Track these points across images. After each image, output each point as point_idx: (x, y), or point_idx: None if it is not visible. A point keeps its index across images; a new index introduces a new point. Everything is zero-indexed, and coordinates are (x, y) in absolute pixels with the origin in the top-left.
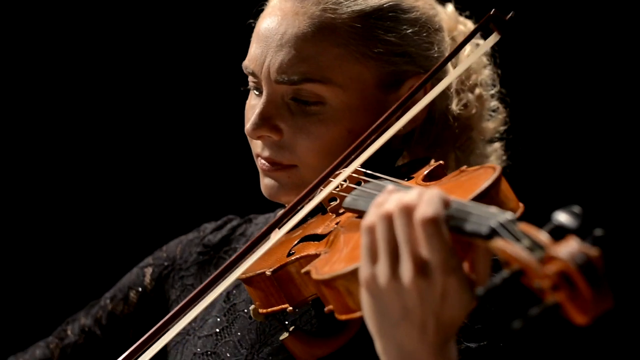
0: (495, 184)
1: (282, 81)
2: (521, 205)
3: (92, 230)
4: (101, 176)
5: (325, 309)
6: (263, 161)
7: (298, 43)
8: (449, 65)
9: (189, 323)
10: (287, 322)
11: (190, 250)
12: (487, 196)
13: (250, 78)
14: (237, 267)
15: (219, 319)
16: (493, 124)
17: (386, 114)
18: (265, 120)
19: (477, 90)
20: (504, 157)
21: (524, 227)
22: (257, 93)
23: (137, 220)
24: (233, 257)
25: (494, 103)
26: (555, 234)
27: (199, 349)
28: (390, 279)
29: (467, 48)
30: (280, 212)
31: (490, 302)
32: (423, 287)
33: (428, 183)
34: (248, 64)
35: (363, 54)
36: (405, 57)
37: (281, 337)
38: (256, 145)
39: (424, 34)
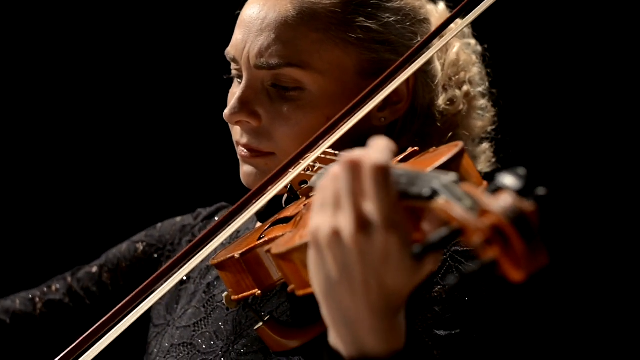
0: (456, 158)
1: (261, 65)
2: (484, 183)
3: (84, 218)
4: (92, 166)
5: (288, 288)
6: (242, 148)
7: (278, 27)
8: (434, 55)
9: (169, 313)
10: (263, 313)
11: (181, 237)
12: (447, 169)
13: (232, 65)
14: (201, 250)
15: (198, 310)
16: (481, 122)
17: (358, 98)
18: (243, 105)
19: (465, 87)
20: (494, 159)
21: (466, 187)
22: (239, 81)
23: (131, 206)
24: (197, 238)
25: (483, 102)
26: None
27: (176, 340)
28: (331, 231)
29: (457, 44)
30: (246, 196)
31: (462, 286)
32: (363, 242)
33: (403, 164)
34: (229, 50)
35: (343, 39)
36: (386, 45)
37: (255, 327)
38: (235, 132)
39: (407, 24)
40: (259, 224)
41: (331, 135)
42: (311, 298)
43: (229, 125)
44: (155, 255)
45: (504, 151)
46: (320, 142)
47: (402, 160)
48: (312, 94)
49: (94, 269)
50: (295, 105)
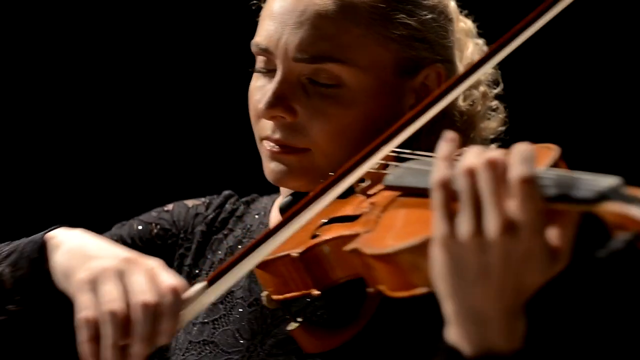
0: (555, 161)
1: (302, 59)
2: None
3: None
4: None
5: (370, 289)
6: (272, 144)
7: (319, 21)
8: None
9: None
10: (293, 312)
11: (194, 226)
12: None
13: (259, 58)
14: (262, 250)
15: (215, 306)
16: (493, 123)
17: (435, 96)
18: (280, 100)
19: (482, 88)
20: None
21: (632, 191)
22: (263, 71)
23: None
24: (261, 235)
25: (495, 102)
26: None
27: (194, 337)
28: (473, 234)
29: (470, 44)
30: (311, 193)
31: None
32: (508, 244)
33: None
34: (261, 40)
35: (385, 36)
36: (424, 44)
37: (289, 328)
38: (264, 128)
39: (442, 22)
40: (273, 218)
41: (395, 135)
42: (345, 299)
43: (253, 120)
44: (170, 242)
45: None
46: (385, 142)
47: None
48: (351, 91)
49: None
50: (334, 101)
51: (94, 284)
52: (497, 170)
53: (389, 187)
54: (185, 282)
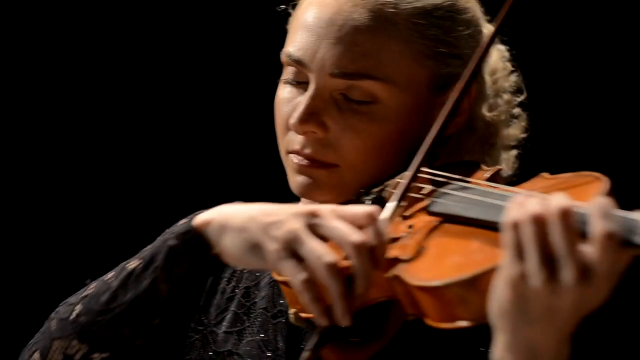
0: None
1: (340, 75)
2: None
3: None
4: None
5: (409, 317)
6: (300, 157)
7: (358, 36)
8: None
9: (205, 316)
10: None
11: None
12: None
13: (289, 68)
14: None
15: (238, 316)
16: (514, 130)
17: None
18: (312, 115)
19: (506, 96)
20: (516, 165)
21: None
22: (293, 83)
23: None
24: None
25: (517, 109)
26: None
27: (218, 347)
28: (546, 279)
29: (494, 52)
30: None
31: None
32: (582, 291)
33: (496, 186)
34: (294, 52)
35: (421, 52)
36: (460, 60)
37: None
38: (293, 142)
39: (477, 36)
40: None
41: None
42: (370, 314)
43: (280, 132)
44: None
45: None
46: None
47: (490, 179)
48: (387, 107)
49: None
50: (368, 118)
51: (290, 250)
52: (570, 221)
53: (432, 213)
54: (376, 207)
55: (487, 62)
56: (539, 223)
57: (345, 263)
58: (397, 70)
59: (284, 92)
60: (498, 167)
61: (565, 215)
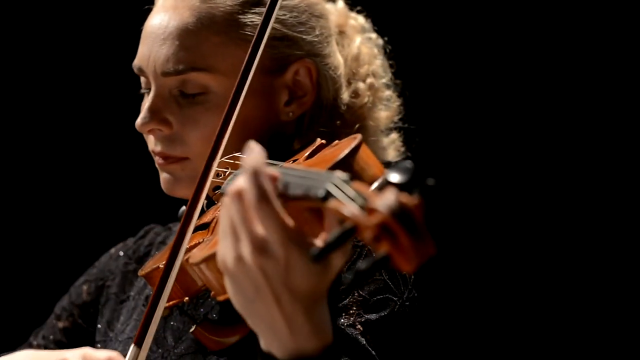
0: (352, 152)
1: (168, 72)
2: (385, 171)
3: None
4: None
5: (211, 294)
6: (157, 157)
7: (180, 34)
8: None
9: (111, 330)
10: (199, 315)
11: (117, 263)
12: (345, 164)
13: (141, 79)
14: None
15: (138, 322)
16: (387, 113)
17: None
18: (153, 113)
19: (369, 80)
20: (402, 149)
21: (357, 186)
22: (147, 91)
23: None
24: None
25: (388, 93)
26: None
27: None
28: (234, 260)
29: (358, 39)
30: (184, 208)
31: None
32: (265, 264)
33: (309, 161)
34: (136, 62)
35: (243, 39)
36: (284, 41)
37: (190, 330)
38: (150, 142)
39: (304, 19)
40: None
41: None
42: None
43: (144, 136)
44: (99, 285)
45: (413, 139)
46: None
47: (309, 155)
48: (219, 96)
49: (53, 323)
50: (203, 108)
51: None
52: (242, 199)
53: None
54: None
55: (348, 48)
56: (225, 208)
57: None
58: (221, 59)
59: (143, 101)
60: (322, 141)
61: (237, 195)
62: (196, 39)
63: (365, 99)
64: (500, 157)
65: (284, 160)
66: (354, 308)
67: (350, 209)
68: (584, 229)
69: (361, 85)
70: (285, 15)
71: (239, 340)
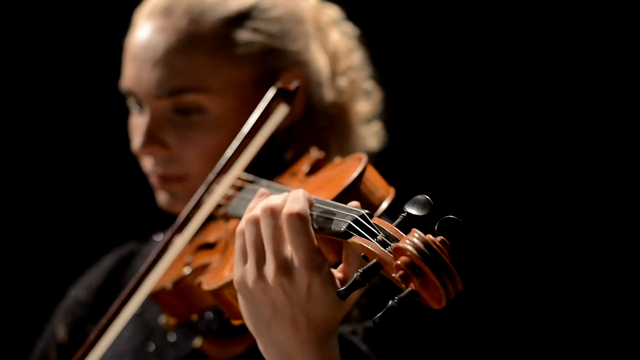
0: (360, 176)
1: (162, 95)
2: (391, 190)
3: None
4: None
5: (224, 316)
6: (155, 178)
7: (171, 57)
8: (316, 50)
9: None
10: (201, 327)
11: (91, 284)
12: (354, 189)
13: (130, 98)
14: (143, 286)
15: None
16: (368, 105)
17: (251, 124)
18: (151, 137)
19: (349, 74)
20: (382, 137)
21: (378, 221)
22: (138, 109)
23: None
24: (137, 276)
25: (368, 84)
26: (408, 224)
27: None
28: (256, 278)
29: (334, 33)
30: (174, 225)
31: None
32: (287, 285)
33: (314, 182)
34: (124, 84)
35: (233, 57)
36: (273, 55)
37: (196, 345)
38: (147, 164)
39: (288, 29)
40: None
41: (238, 157)
42: None
43: (137, 157)
44: (78, 318)
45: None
46: (230, 163)
47: (310, 172)
48: (214, 114)
49: None
50: (200, 129)
51: None
52: (275, 216)
53: (232, 217)
54: None
55: (326, 45)
56: (254, 224)
57: None
58: (214, 78)
59: (132, 120)
60: (319, 157)
61: (268, 211)
62: (187, 61)
63: (348, 96)
64: (498, 158)
65: (280, 172)
66: (355, 314)
67: (374, 246)
68: (583, 229)
69: (342, 81)
70: (271, 28)
71: (244, 351)
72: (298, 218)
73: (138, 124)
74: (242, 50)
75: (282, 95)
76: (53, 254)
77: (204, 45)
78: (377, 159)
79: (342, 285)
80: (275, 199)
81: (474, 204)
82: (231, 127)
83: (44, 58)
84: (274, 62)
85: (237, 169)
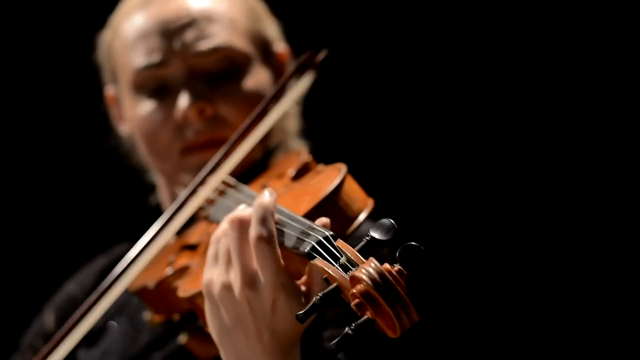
0: (338, 189)
1: (206, 52)
2: (370, 201)
3: None
4: None
5: (198, 322)
6: (200, 145)
7: (207, 14)
8: None
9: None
10: (181, 325)
11: (84, 282)
12: (331, 201)
13: (150, 74)
14: (124, 277)
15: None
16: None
17: (238, 133)
18: (198, 95)
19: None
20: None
21: (341, 244)
22: (153, 93)
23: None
24: (122, 265)
25: None
26: (371, 248)
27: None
28: (223, 287)
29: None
30: (155, 226)
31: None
32: (252, 299)
33: (294, 184)
34: (148, 59)
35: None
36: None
37: (180, 341)
38: (184, 136)
39: (263, 11)
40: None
41: (224, 161)
42: None
43: (161, 143)
44: (67, 310)
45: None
46: (217, 166)
47: (295, 177)
48: (250, 72)
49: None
50: (242, 83)
51: None
52: (243, 228)
53: (212, 221)
54: None
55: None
56: (224, 234)
57: None
58: (239, 42)
59: (144, 106)
60: (307, 160)
61: (235, 223)
62: (224, 19)
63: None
64: (496, 158)
65: (266, 169)
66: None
67: (336, 270)
68: (582, 230)
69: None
70: (252, 11)
71: None
72: (265, 242)
73: (157, 107)
74: (249, 26)
75: (311, 66)
76: (53, 253)
77: (233, 10)
78: (361, 168)
79: (305, 301)
80: (244, 212)
81: (468, 208)
82: (264, 86)
83: (43, 58)
84: (268, 38)
85: (225, 171)
